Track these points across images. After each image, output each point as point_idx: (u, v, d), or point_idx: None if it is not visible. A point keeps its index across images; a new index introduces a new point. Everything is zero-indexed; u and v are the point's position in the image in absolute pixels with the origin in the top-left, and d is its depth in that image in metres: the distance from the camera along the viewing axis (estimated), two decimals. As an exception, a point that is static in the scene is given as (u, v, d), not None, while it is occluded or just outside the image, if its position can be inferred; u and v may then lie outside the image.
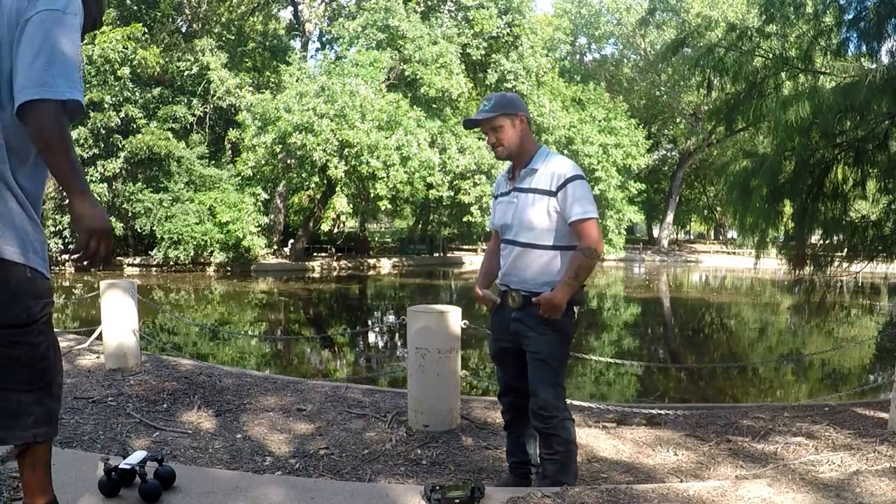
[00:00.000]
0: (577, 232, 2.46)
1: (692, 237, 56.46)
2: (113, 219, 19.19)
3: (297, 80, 20.95)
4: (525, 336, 2.53)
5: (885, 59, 5.59)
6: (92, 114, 19.01)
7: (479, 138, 24.12)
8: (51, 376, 1.75)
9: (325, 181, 21.57)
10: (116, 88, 19.74)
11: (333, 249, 28.08)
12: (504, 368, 2.71)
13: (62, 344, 5.71)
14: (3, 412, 1.68)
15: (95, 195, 1.77)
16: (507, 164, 2.68)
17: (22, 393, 1.69)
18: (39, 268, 1.71)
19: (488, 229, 2.82)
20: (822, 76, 5.96)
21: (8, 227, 1.64)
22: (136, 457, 2.17)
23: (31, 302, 1.69)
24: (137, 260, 21.44)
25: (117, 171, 19.96)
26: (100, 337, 5.42)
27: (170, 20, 24.79)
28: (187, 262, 20.45)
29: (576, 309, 2.56)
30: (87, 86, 18.91)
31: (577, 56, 36.93)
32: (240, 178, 21.48)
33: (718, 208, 39.63)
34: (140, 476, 2.11)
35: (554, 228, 2.48)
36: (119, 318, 4.86)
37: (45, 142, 1.57)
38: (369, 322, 12.61)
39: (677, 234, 49.47)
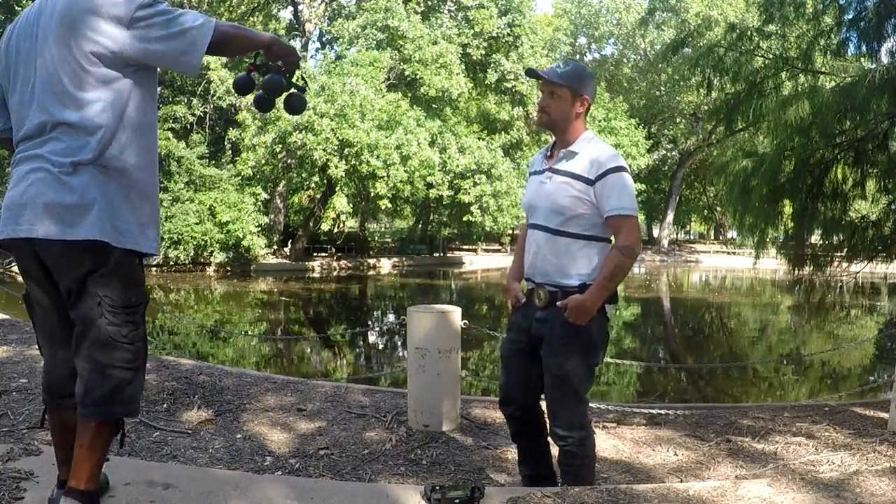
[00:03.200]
0: (614, 228, 2.29)
1: (692, 237, 56.46)
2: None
3: (305, 83, 20.90)
4: (548, 345, 2.32)
5: (884, 59, 5.59)
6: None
7: (479, 138, 24.15)
8: (145, 358, 1.89)
9: (325, 181, 21.57)
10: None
11: (333, 249, 28.07)
12: (509, 372, 2.49)
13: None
14: (106, 388, 1.78)
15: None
16: (546, 142, 2.56)
17: (123, 370, 1.80)
18: (145, 251, 1.86)
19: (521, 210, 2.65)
20: (821, 76, 5.96)
21: (113, 214, 1.76)
22: None
23: (138, 286, 1.86)
24: (137, 260, 21.40)
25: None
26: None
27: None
28: (187, 262, 20.44)
29: (608, 309, 2.37)
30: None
31: (577, 56, 36.88)
32: (240, 177, 21.47)
33: (718, 208, 39.64)
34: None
35: (586, 216, 2.29)
36: (119, 318, 4.84)
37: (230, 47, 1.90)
38: (369, 322, 12.61)
39: (677, 234, 49.48)
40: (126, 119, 1.79)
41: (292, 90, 2.08)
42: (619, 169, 2.28)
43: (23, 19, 1.86)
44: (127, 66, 1.77)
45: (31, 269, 1.83)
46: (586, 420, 2.33)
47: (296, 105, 2.10)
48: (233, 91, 2.11)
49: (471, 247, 34.53)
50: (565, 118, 2.35)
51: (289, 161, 20.97)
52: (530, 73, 2.40)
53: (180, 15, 1.77)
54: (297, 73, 2.08)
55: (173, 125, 21.59)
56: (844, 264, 6.25)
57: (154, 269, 20.76)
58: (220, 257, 20.72)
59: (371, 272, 24.47)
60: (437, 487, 2.18)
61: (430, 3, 24.76)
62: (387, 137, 19.70)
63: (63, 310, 1.84)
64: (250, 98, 2.16)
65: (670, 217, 36.58)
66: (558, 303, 2.28)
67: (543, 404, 2.46)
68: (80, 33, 1.72)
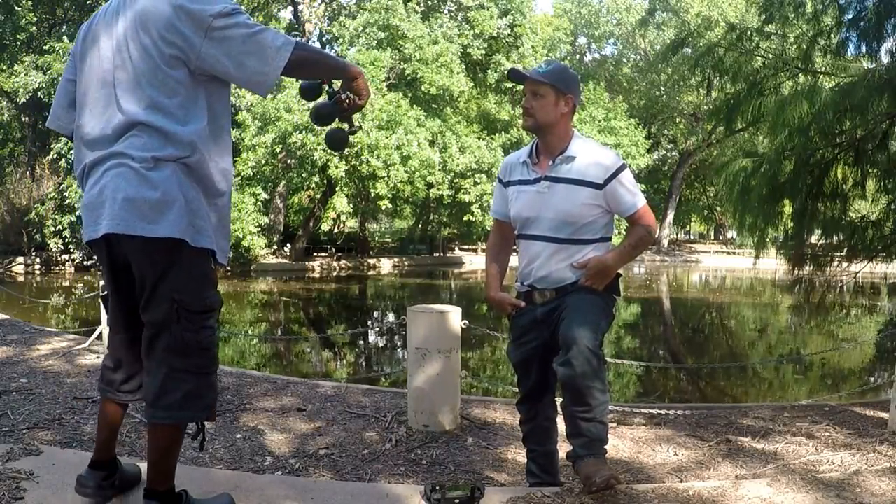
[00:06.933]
0: (635, 220, 2.34)
1: (692, 237, 56.42)
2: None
3: (297, 80, 20.92)
4: (563, 306, 2.23)
5: (884, 58, 5.59)
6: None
7: (479, 137, 24.15)
8: (217, 363, 1.88)
9: (325, 181, 21.56)
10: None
11: (333, 249, 28.05)
12: (528, 375, 2.43)
13: (62, 344, 5.71)
14: (180, 394, 1.77)
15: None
16: (522, 148, 2.46)
17: (198, 376, 1.79)
18: (218, 258, 1.84)
19: (493, 218, 2.57)
20: (821, 76, 5.96)
21: (186, 214, 1.73)
22: None
23: (214, 289, 1.83)
24: (137, 260, 21.40)
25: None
26: (100, 337, 5.42)
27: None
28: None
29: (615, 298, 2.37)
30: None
31: (577, 56, 36.88)
32: (240, 178, 21.46)
33: (718, 208, 39.58)
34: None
35: (596, 222, 2.31)
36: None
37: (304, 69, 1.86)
38: (369, 322, 12.61)
39: (677, 234, 49.42)
40: (208, 125, 1.76)
41: (346, 126, 2.03)
42: (623, 167, 2.31)
43: (99, 18, 1.83)
44: (203, 73, 1.74)
45: (111, 265, 1.82)
46: (598, 347, 2.14)
47: (341, 143, 2.05)
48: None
49: (471, 247, 34.48)
50: (551, 120, 2.30)
51: (289, 161, 20.96)
52: (513, 73, 2.37)
53: (260, 31, 1.71)
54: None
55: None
56: (844, 264, 6.25)
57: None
58: (220, 257, 20.70)
59: (371, 272, 24.46)
60: (437, 487, 2.18)
61: (430, 3, 24.75)
62: (387, 137, 19.69)
63: (135, 303, 1.82)
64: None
65: (670, 217, 36.55)
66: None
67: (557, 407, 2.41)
68: (159, 36, 1.70)
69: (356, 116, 2.01)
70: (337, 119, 1.99)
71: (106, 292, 1.91)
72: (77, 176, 1.87)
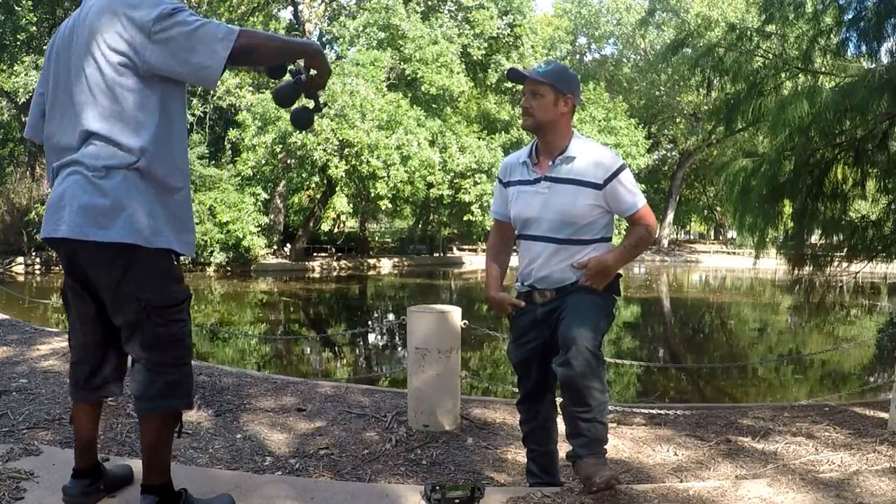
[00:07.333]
0: (635, 220, 2.34)
1: (692, 237, 56.42)
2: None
3: (325, 103, 20.93)
4: (563, 307, 2.23)
5: (884, 59, 5.59)
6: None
7: (479, 137, 24.16)
8: (191, 352, 1.97)
9: (325, 181, 21.56)
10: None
11: (333, 249, 28.05)
12: (528, 375, 2.44)
13: (62, 344, 5.71)
14: (162, 384, 1.86)
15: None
16: (521, 148, 2.47)
17: (176, 367, 1.89)
18: (181, 251, 1.91)
19: (493, 218, 2.57)
20: (821, 76, 5.96)
21: (145, 214, 1.80)
22: None
23: (178, 283, 1.90)
24: (137, 260, 21.40)
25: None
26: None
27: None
28: (187, 261, 20.43)
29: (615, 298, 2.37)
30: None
31: (577, 56, 36.89)
32: (240, 178, 21.46)
33: (718, 208, 39.60)
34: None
35: (596, 222, 2.32)
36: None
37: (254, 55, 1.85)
38: (369, 322, 12.61)
39: (677, 234, 49.44)
40: (158, 127, 1.82)
41: (310, 104, 2.05)
42: (623, 167, 2.31)
43: (62, 30, 1.91)
44: (154, 75, 1.80)
45: (69, 267, 1.91)
46: (597, 348, 2.13)
47: (306, 122, 2.07)
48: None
49: (471, 247, 34.48)
50: (550, 119, 2.30)
51: (289, 161, 20.96)
52: (512, 73, 2.37)
53: (202, 25, 1.76)
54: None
55: (173, 125, 21.58)
56: (844, 264, 6.25)
57: (154, 269, 20.74)
58: (220, 257, 20.71)
59: (371, 272, 24.46)
60: (437, 487, 2.18)
61: (430, 2, 24.76)
62: (387, 137, 19.70)
63: (97, 307, 1.92)
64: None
65: (670, 217, 36.55)
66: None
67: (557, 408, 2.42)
68: (107, 45, 1.77)
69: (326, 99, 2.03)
70: (304, 97, 2.02)
71: (64, 289, 2.01)
72: (49, 179, 1.97)
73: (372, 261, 26.36)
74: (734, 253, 34.00)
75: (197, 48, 1.74)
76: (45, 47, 17.78)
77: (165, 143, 1.84)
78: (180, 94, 1.90)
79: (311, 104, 2.07)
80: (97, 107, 1.78)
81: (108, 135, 1.77)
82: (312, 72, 1.99)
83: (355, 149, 19.34)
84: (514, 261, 2.60)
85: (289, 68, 2.00)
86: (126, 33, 1.75)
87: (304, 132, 18.94)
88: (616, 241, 2.46)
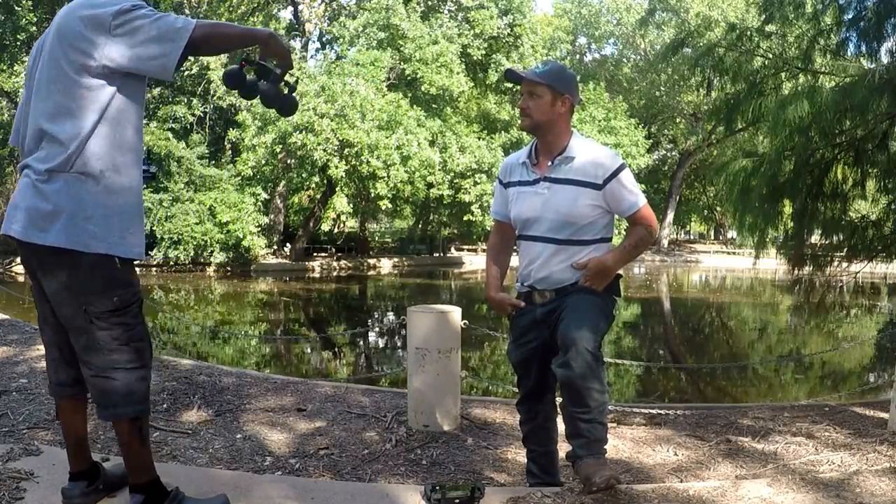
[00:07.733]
0: (635, 220, 2.33)
1: (692, 237, 56.42)
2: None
3: (296, 80, 20.95)
4: (563, 307, 2.22)
5: (884, 58, 5.59)
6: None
7: (479, 137, 24.15)
8: (149, 355, 1.96)
9: (325, 181, 21.57)
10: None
11: (333, 249, 28.06)
12: (528, 375, 2.44)
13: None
14: (112, 390, 1.86)
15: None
16: (521, 149, 2.46)
17: (126, 371, 1.87)
18: (128, 256, 1.90)
19: (493, 219, 2.57)
20: (821, 76, 5.96)
21: (84, 218, 1.81)
22: None
23: (123, 287, 1.88)
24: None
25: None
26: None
27: (170, 20, 24.78)
28: (187, 262, 20.44)
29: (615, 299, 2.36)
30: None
31: (577, 56, 36.88)
32: (240, 178, 21.47)
33: (718, 208, 39.60)
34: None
35: (596, 222, 2.31)
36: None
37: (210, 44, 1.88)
38: (369, 322, 12.61)
39: (677, 234, 49.43)
40: (102, 126, 1.82)
41: (286, 90, 2.08)
42: (623, 167, 2.30)
43: (42, 37, 1.96)
44: (114, 74, 1.82)
45: (26, 267, 1.95)
46: (597, 348, 2.12)
47: (294, 106, 2.09)
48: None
49: (471, 247, 34.48)
50: (548, 120, 2.29)
51: (289, 161, 20.97)
52: (509, 74, 2.38)
53: (159, 19, 1.79)
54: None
55: (173, 125, 21.57)
56: (844, 264, 6.25)
57: (154, 269, 20.77)
58: (220, 257, 20.72)
59: (371, 272, 24.46)
60: (437, 487, 2.18)
61: (430, 2, 24.75)
62: (387, 138, 19.70)
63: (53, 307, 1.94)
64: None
65: (670, 217, 36.54)
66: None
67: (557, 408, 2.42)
68: (70, 46, 1.80)
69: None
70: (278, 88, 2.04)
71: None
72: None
73: (372, 261, 26.36)
74: (734, 253, 34.00)
75: (154, 40, 1.78)
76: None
77: (112, 142, 1.84)
78: (138, 92, 1.91)
79: (285, 89, 2.09)
80: (51, 106, 1.81)
81: (55, 133, 1.80)
82: (272, 62, 2.01)
83: (355, 149, 19.34)
84: (514, 261, 2.60)
85: (249, 68, 2.01)
86: (87, 31, 1.78)
87: (304, 133, 18.95)
88: (616, 241, 2.46)
